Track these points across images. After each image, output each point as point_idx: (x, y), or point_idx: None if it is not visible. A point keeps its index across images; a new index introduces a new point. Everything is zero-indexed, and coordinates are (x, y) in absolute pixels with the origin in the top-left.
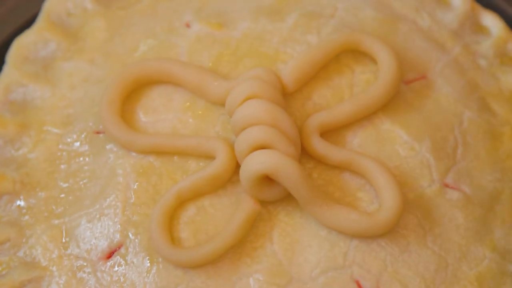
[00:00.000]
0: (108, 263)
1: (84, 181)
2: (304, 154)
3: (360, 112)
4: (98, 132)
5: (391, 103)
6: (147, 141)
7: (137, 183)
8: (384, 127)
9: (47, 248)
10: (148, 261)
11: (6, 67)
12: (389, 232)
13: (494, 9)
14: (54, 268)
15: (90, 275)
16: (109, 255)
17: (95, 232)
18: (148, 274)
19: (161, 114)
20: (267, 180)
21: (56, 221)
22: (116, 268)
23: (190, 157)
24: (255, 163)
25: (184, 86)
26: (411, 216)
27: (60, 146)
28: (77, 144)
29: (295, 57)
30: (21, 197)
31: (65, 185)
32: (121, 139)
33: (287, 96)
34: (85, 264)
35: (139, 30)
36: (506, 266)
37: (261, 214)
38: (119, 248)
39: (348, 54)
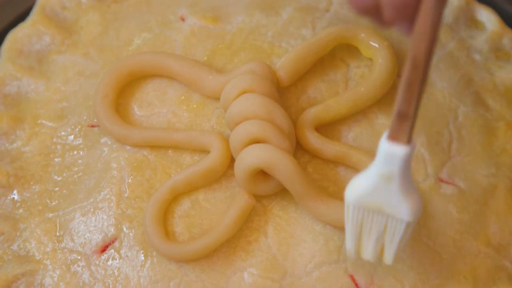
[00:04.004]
0: (102, 257)
1: (79, 174)
2: (299, 148)
3: (355, 107)
4: (92, 126)
5: (386, 97)
6: (142, 135)
7: (131, 177)
8: (379, 121)
9: (41, 242)
10: (142, 255)
11: (0, 61)
12: None
13: (489, 4)
14: (48, 262)
15: (84, 269)
16: (103, 249)
17: (89, 226)
18: (142, 268)
19: (155, 107)
20: (261, 174)
21: (50, 215)
22: (110, 262)
23: (185, 151)
24: (250, 157)
25: (178, 79)
26: None
27: (54, 140)
28: (71, 137)
29: (290, 51)
30: (15, 190)
31: (59, 178)
32: (116, 132)
33: (282, 90)
34: (79, 257)
35: (133, 24)
36: (501, 261)
37: (256, 208)
38: (113, 242)
39: (343, 48)
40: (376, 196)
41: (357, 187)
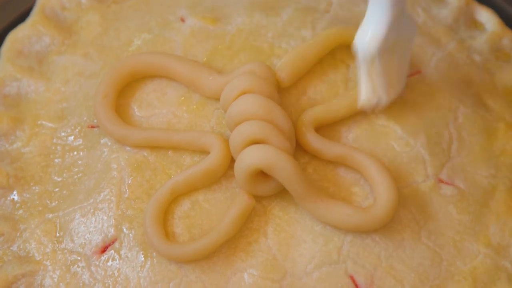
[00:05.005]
0: (102, 258)
1: (79, 175)
2: (299, 149)
3: (355, 107)
4: (92, 127)
5: None
6: (142, 135)
7: (131, 178)
8: (379, 122)
9: (41, 243)
10: (142, 256)
11: (0, 61)
12: (384, 227)
13: (489, 4)
14: (48, 263)
15: (84, 270)
16: (103, 250)
17: (89, 227)
18: (142, 269)
19: (155, 108)
20: (261, 175)
21: (50, 215)
22: (110, 263)
23: (185, 152)
24: (250, 158)
25: (178, 80)
26: (406, 211)
27: (54, 140)
28: (71, 138)
29: (290, 52)
30: (15, 191)
31: (59, 179)
32: (115, 133)
33: (281, 91)
34: (79, 258)
35: (133, 25)
36: (501, 262)
37: (256, 209)
38: (113, 242)
39: (343, 49)
40: (391, 34)
41: (374, 37)
